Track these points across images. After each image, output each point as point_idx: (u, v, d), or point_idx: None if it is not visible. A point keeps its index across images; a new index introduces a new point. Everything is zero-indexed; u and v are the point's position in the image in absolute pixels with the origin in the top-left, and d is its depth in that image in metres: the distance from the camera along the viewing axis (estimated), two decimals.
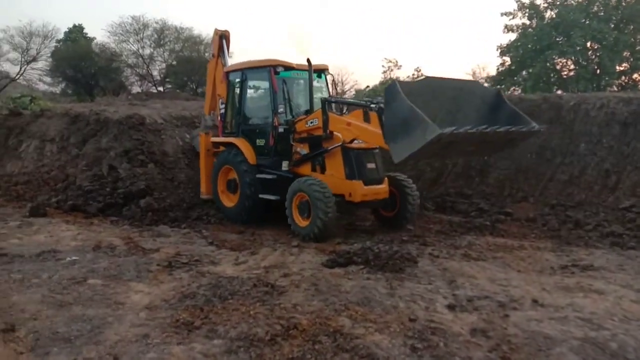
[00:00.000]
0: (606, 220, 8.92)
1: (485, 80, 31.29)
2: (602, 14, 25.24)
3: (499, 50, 27.51)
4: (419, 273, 6.11)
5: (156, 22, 30.38)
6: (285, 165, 8.90)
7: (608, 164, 10.45)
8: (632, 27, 25.27)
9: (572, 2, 25.88)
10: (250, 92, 9.89)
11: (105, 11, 60.95)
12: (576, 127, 11.25)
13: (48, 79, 32.36)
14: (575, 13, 24.56)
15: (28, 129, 12.90)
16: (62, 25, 36.53)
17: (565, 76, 26.55)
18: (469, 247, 7.55)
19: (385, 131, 6.99)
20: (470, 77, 36.45)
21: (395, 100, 6.56)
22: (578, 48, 24.43)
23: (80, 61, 29.60)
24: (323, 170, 8.56)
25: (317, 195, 7.79)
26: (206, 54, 20.41)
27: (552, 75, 26.75)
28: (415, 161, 10.24)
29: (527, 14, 26.96)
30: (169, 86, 31.08)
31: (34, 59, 30.86)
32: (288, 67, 9.12)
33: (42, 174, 11.66)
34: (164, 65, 31.22)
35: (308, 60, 8.68)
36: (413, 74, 39.24)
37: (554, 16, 26.03)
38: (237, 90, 9.69)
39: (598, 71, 25.23)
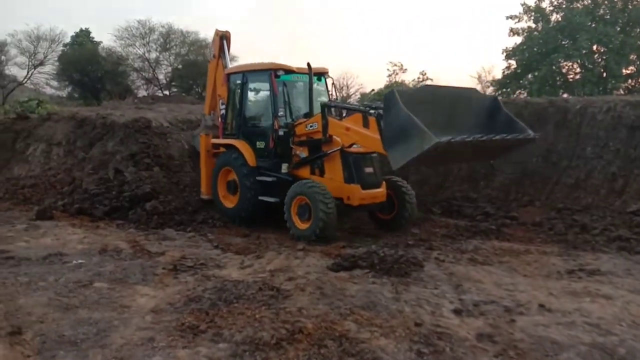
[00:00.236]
0: (613, 225, 8.86)
1: (491, 84, 31.27)
2: (608, 17, 25.18)
3: (505, 54, 27.50)
4: (424, 277, 6.09)
5: (162, 26, 30.64)
6: (284, 167, 8.98)
7: (615, 168, 10.38)
8: (638, 30, 25.20)
9: (578, 5, 25.83)
10: (250, 94, 9.99)
11: (112, 15, 61.40)
12: (582, 130, 11.19)
13: (55, 83, 32.68)
14: (581, 16, 24.50)
15: (35, 133, 12.98)
16: (69, 30, 36.82)
17: (571, 79, 26.48)
18: (475, 251, 7.51)
19: (383, 138, 7.11)
20: (476, 80, 36.47)
21: (394, 109, 6.69)
22: (584, 51, 24.37)
23: (86, 65, 29.82)
24: (322, 174, 8.64)
25: (319, 198, 7.86)
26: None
27: (558, 78, 26.68)
28: (416, 166, 10.31)
29: (532, 17, 26.94)
30: (175, 90, 31.25)
31: (41, 63, 31.16)
32: (288, 71, 9.24)
33: (48, 177, 11.71)
34: (169, 69, 31.47)
35: (308, 64, 8.80)
36: (418, 78, 39.34)
37: (560, 19, 25.99)
38: (238, 93, 9.77)
39: (604, 74, 25.16)
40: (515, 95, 26.17)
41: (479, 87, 35.70)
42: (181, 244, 7.86)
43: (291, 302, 5.14)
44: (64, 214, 9.70)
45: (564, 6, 26.28)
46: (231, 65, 10.82)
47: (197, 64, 28.68)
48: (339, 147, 8.36)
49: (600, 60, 25.32)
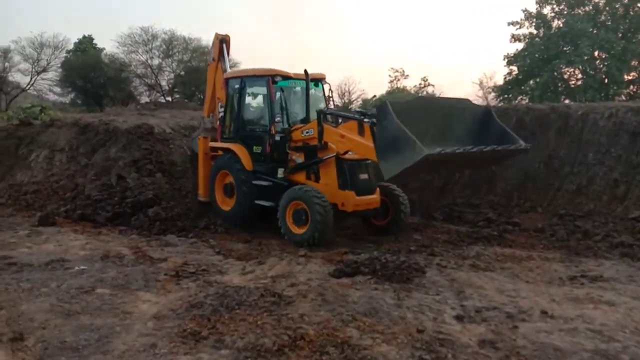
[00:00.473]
0: (615, 231, 8.84)
1: (493, 90, 31.29)
2: (609, 23, 25.23)
3: (506, 60, 27.53)
4: (426, 283, 6.08)
5: (165, 33, 30.77)
6: (280, 172, 9.07)
7: (617, 174, 10.37)
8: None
9: (580, 11, 25.89)
10: (248, 99, 10.08)
11: (115, 22, 61.74)
12: (584, 136, 11.19)
13: (58, 89, 32.81)
14: (582, 22, 24.55)
15: (38, 139, 13.02)
16: (72, 36, 37.01)
17: (572, 86, 26.49)
18: (477, 257, 7.50)
19: (377, 148, 7.24)
20: (477, 86, 36.49)
21: (386, 120, 6.86)
22: (586, 57, 24.39)
23: (89, 71, 29.95)
24: (317, 179, 8.74)
25: (316, 203, 7.96)
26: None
27: (559, 84, 26.71)
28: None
29: (534, 24, 26.99)
30: (177, 96, 31.34)
31: (44, 70, 31.32)
32: (286, 77, 9.35)
33: (51, 183, 11.74)
34: (172, 75, 31.55)
35: (305, 71, 8.95)
36: (420, 84, 39.45)
37: (561, 26, 26.04)
38: (236, 97, 9.87)
39: (606, 80, 25.16)
40: (516, 102, 26.19)
41: (480, 93, 35.82)
42: (183, 250, 7.86)
43: (293, 309, 5.14)
44: (67, 220, 9.71)
45: (565, 12, 26.34)
46: (230, 69, 10.92)
47: (200, 70, 28.77)
48: (334, 154, 8.46)
49: (601, 66, 25.33)
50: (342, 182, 8.40)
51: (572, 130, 11.41)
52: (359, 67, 63.20)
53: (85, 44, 33.65)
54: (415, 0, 77.85)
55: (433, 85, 38.94)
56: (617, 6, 25.23)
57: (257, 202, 9.18)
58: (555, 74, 25.56)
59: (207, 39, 33.25)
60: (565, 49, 25.47)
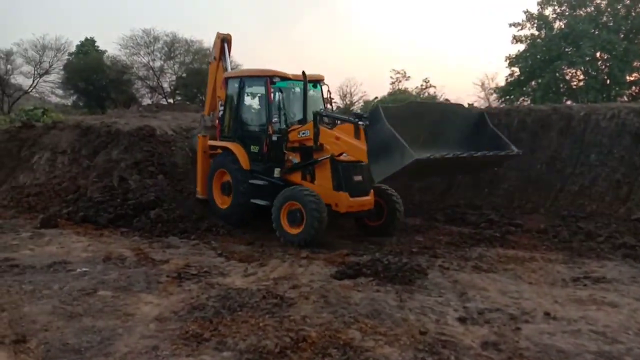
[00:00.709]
0: (618, 232, 8.82)
1: (494, 91, 31.29)
2: (611, 24, 25.20)
3: (508, 61, 27.52)
4: (429, 285, 6.07)
5: (166, 35, 30.88)
6: (277, 172, 9.15)
7: (619, 175, 10.35)
8: None
9: (581, 12, 25.88)
10: (247, 99, 10.18)
11: (117, 25, 61.88)
12: (586, 137, 11.18)
13: (60, 92, 32.94)
14: (584, 23, 24.53)
15: (40, 141, 13.03)
16: (75, 39, 37.06)
17: (574, 86, 26.47)
18: (479, 258, 7.49)
19: (368, 151, 7.36)
20: (479, 87, 36.48)
21: (378, 124, 6.97)
22: (587, 58, 24.37)
23: (91, 74, 30.05)
24: (313, 180, 8.82)
25: (312, 205, 8.05)
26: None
27: (561, 85, 26.69)
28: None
29: (535, 25, 26.97)
30: (179, 98, 31.42)
31: (47, 72, 31.47)
32: (284, 78, 9.45)
33: (53, 185, 11.74)
34: (174, 77, 31.64)
35: (303, 73, 9.04)
36: (422, 85, 39.44)
37: (563, 27, 26.03)
38: (235, 97, 9.97)
39: (608, 81, 25.14)
40: (518, 103, 26.17)
41: (482, 94, 35.82)
42: (185, 252, 7.86)
43: (295, 311, 5.13)
44: (69, 222, 9.71)
45: (566, 14, 26.33)
46: (231, 67, 11.05)
47: (201, 72, 28.83)
48: (329, 155, 8.55)
49: (603, 67, 25.31)
50: (337, 184, 8.50)
51: (574, 132, 11.40)
52: (360, 69, 63.27)
53: (88, 47, 33.76)
54: (418, 2, 77.91)
55: (435, 87, 38.99)
56: (618, 7, 25.20)
57: (252, 201, 9.28)
58: (557, 75, 25.55)
59: (209, 41, 33.31)
60: (567, 50, 25.45)
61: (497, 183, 11.62)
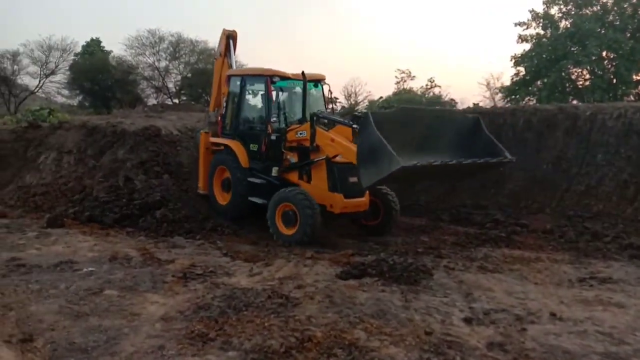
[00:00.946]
0: (625, 232, 8.78)
1: (500, 90, 31.17)
2: (617, 23, 25.03)
3: (513, 61, 27.40)
4: (434, 285, 6.05)
5: (172, 35, 30.89)
6: (275, 171, 9.24)
7: (626, 175, 10.30)
8: None
9: (587, 11, 25.72)
10: (247, 98, 10.32)
11: (122, 25, 62.09)
12: (593, 137, 11.12)
13: (66, 92, 33.01)
14: (590, 22, 24.38)
15: (46, 141, 13.09)
16: (80, 39, 37.21)
17: (580, 86, 26.32)
18: (484, 259, 7.46)
19: (357, 156, 7.43)
20: (484, 87, 36.36)
21: (367, 130, 7.02)
22: (594, 58, 24.22)
23: (97, 74, 30.10)
24: (309, 180, 8.91)
25: (305, 206, 8.17)
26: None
27: (567, 85, 26.54)
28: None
29: (541, 24, 26.83)
30: (184, 98, 31.44)
31: (53, 72, 31.56)
32: (284, 77, 9.53)
33: (59, 185, 11.80)
34: (179, 77, 31.67)
35: (302, 73, 9.08)
36: (427, 84, 39.35)
37: (569, 26, 25.88)
38: (236, 95, 10.08)
39: (614, 81, 24.99)
40: (524, 102, 26.07)
41: (487, 94, 35.69)
42: (191, 252, 7.88)
43: (300, 310, 5.13)
44: (75, 221, 9.75)
45: (572, 13, 26.17)
46: (236, 66, 11.15)
47: (206, 72, 28.86)
48: (324, 157, 8.62)
49: (610, 66, 25.15)
50: (332, 185, 8.58)
51: (581, 131, 11.34)
52: (362, 68, 63.24)
53: (93, 47, 33.85)
54: (417, 1, 77.78)
55: (440, 87, 38.87)
56: (625, 6, 25.03)
57: (250, 199, 9.39)
58: (563, 74, 25.41)
59: (214, 42, 33.37)
60: (573, 49, 25.30)
61: (502, 183, 11.58)
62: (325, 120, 9.04)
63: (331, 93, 10.18)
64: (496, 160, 7.66)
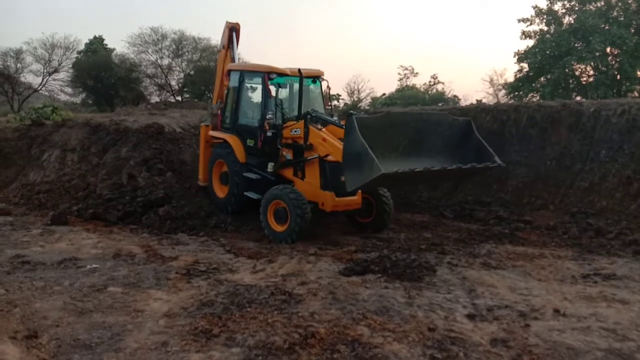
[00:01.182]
0: (629, 229, 8.75)
1: (503, 87, 31.09)
2: (622, 19, 24.89)
3: (517, 57, 27.31)
4: (437, 282, 6.06)
5: (174, 33, 30.86)
6: (270, 167, 9.27)
7: (630, 171, 10.25)
8: None
9: (591, 7, 25.58)
10: (245, 93, 10.34)
11: (125, 23, 62.13)
12: (596, 133, 11.07)
13: (69, 90, 33.03)
14: (594, 18, 24.26)
15: (50, 139, 13.13)
16: (83, 37, 37.23)
17: (584, 82, 26.21)
18: (488, 255, 7.46)
19: (342, 160, 7.47)
20: (488, 83, 36.25)
21: (351, 135, 7.05)
22: (597, 54, 24.12)
23: (100, 72, 30.12)
24: (303, 177, 8.95)
25: (295, 203, 8.23)
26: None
27: (571, 81, 26.44)
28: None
29: (544, 20, 26.72)
30: (187, 96, 31.43)
31: (56, 70, 31.60)
32: (281, 74, 9.52)
33: (63, 182, 11.84)
34: (182, 75, 31.65)
35: (299, 71, 9.07)
36: (430, 81, 39.28)
37: (573, 22, 25.77)
38: (235, 90, 10.12)
39: (618, 77, 24.87)
40: (527, 99, 25.99)
41: (491, 90, 35.60)
42: (194, 249, 7.90)
43: (303, 307, 5.14)
44: (79, 219, 9.79)
45: (576, 8, 26.05)
46: (239, 59, 11.11)
47: (209, 69, 28.84)
48: (317, 155, 8.65)
49: (614, 62, 25.03)
50: (324, 183, 8.62)
51: (584, 127, 11.29)
52: (368, 65, 63.11)
53: (96, 45, 33.85)
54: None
55: (443, 83, 38.80)
56: (629, 1, 24.90)
57: (246, 193, 9.46)
58: (567, 70, 25.31)
59: (216, 39, 33.32)
60: (576, 45, 25.18)
61: (506, 179, 11.55)
62: (320, 119, 9.05)
63: (330, 89, 10.17)
64: (483, 166, 7.62)
